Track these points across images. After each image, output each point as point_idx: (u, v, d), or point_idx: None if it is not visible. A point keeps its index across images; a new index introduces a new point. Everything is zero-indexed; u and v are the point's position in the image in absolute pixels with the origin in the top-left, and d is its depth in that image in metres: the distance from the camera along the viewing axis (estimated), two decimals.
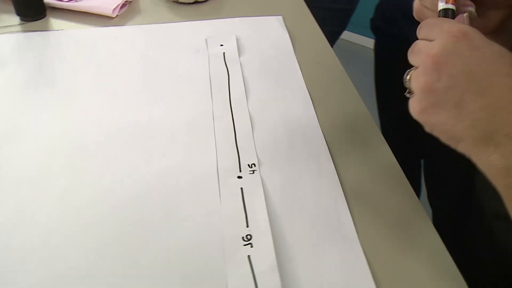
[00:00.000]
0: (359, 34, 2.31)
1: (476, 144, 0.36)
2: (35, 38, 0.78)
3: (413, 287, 0.42)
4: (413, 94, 0.40)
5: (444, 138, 0.39)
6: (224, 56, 0.72)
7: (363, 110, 0.62)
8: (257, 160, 0.54)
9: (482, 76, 0.35)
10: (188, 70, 0.70)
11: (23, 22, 0.82)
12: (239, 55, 0.73)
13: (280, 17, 0.83)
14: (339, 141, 0.57)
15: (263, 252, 0.44)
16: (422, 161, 1.04)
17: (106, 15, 0.82)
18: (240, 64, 0.70)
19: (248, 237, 0.46)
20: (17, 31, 0.80)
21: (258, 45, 0.75)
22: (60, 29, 0.81)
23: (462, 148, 0.38)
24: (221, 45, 0.75)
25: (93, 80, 0.68)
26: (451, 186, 0.88)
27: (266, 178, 0.52)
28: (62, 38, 0.78)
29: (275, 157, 0.55)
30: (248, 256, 0.44)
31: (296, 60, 0.72)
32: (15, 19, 0.83)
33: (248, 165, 0.54)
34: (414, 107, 0.39)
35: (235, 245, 0.45)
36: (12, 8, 0.83)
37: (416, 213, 0.49)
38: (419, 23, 0.84)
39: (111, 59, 0.72)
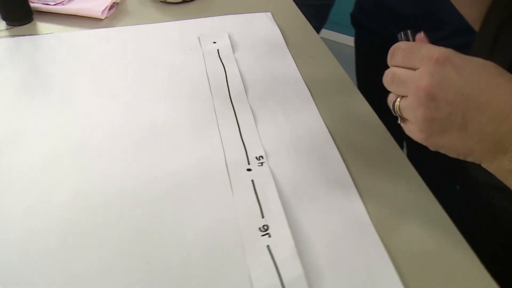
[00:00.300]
0: (339, 32, 2.33)
1: (485, 154, 0.37)
2: (27, 42, 0.76)
3: (428, 264, 0.43)
4: (407, 122, 0.41)
5: (452, 155, 0.40)
6: (218, 53, 0.72)
7: (360, 98, 0.63)
8: (264, 152, 0.54)
9: (476, 94, 0.36)
10: (184, 68, 0.69)
11: (10, 27, 0.80)
12: (233, 51, 0.73)
13: (269, 13, 0.83)
14: (339, 127, 0.58)
15: (282, 241, 0.44)
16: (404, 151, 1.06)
17: (95, 17, 0.81)
18: (236, 60, 0.70)
19: (265, 227, 0.46)
20: (4, 36, 0.78)
21: (250, 41, 0.75)
22: (50, 32, 0.79)
23: (471, 159, 0.39)
24: (214, 42, 0.75)
25: (92, 81, 0.67)
26: (437, 166, 0.89)
27: (275, 169, 0.52)
28: (53, 41, 0.76)
29: (281, 148, 0.55)
30: (267, 246, 0.44)
31: (289, 54, 0.72)
32: (1, 24, 0.80)
33: (256, 157, 0.53)
34: (418, 135, 0.40)
35: (253, 237, 0.45)
36: None
37: (423, 195, 0.49)
38: (397, 16, 0.84)
39: (106, 60, 0.71)
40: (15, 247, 0.45)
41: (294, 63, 0.70)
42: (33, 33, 0.79)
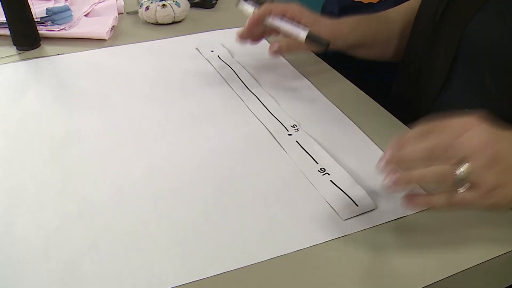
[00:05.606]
0: None
1: None
2: (46, 62, 0.77)
3: None
4: (471, 186, 0.40)
5: None
6: (220, 58, 0.79)
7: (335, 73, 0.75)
8: (296, 122, 0.62)
9: None
10: (197, 71, 0.75)
11: (21, 51, 0.80)
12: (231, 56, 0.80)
13: None
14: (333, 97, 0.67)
15: (340, 176, 0.52)
16: None
17: (100, 38, 0.83)
18: (237, 62, 0.77)
19: (323, 169, 0.53)
20: (15, 60, 0.78)
21: (242, 48, 0.83)
22: (57, 54, 0.80)
23: None
24: (212, 51, 0.81)
25: (121, 87, 0.70)
26: None
27: (308, 132, 0.60)
28: (69, 60, 0.78)
29: (304, 120, 0.63)
30: (331, 180, 0.52)
31: (281, 56, 0.80)
32: (12, 50, 0.80)
33: (291, 125, 0.61)
34: (490, 194, 0.40)
35: (316, 177, 0.52)
36: (4, 41, 0.80)
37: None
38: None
39: (125, 71, 0.75)
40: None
41: (287, 61, 0.78)
42: (43, 56, 0.80)
